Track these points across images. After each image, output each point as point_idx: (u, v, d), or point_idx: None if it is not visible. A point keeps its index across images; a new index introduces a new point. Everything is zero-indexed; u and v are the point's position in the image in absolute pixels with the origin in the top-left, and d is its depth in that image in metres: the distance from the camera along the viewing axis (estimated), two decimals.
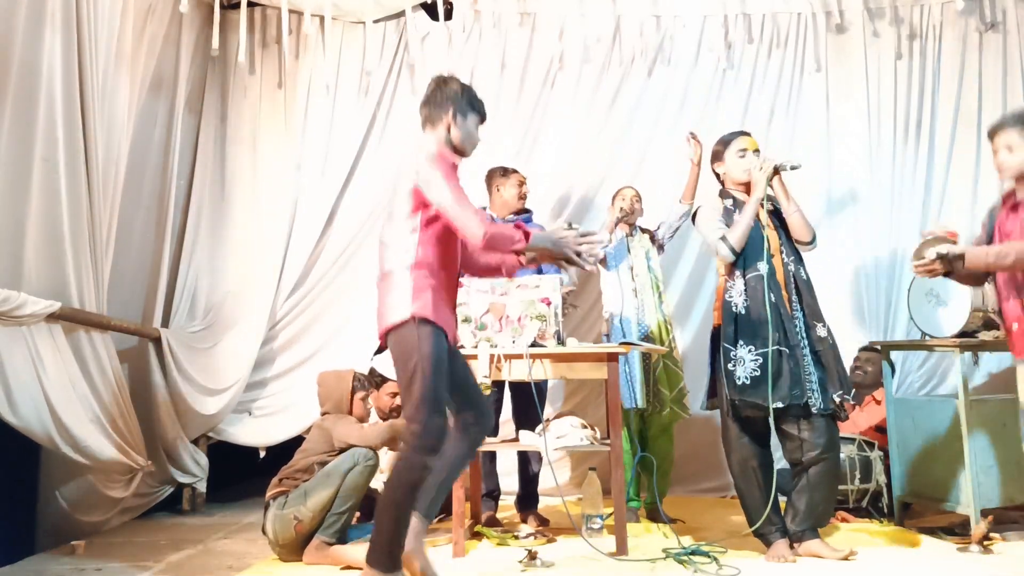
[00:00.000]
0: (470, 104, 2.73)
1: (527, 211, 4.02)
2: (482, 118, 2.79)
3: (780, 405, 2.95)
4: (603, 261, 3.96)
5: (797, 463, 3.05)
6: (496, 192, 3.87)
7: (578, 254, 2.61)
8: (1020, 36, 4.55)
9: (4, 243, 2.96)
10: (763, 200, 3.11)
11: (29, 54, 3.03)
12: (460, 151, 2.73)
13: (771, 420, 3.00)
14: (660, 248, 4.07)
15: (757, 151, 3.19)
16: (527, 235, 2.57)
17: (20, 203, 3.02)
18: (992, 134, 2.84)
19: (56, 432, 3.12)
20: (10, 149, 2.98)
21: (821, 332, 3.06)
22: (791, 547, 3.01)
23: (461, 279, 2.90)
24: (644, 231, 4.06)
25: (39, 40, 3.07)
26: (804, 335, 3.05)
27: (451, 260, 2.68)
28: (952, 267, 2.78)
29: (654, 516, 3.77)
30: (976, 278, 3.06)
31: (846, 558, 2.94)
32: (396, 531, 2.48)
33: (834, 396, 3.00)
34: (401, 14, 4.57)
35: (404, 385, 2.52)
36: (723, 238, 3.11)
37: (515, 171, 3.91)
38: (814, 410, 2.98)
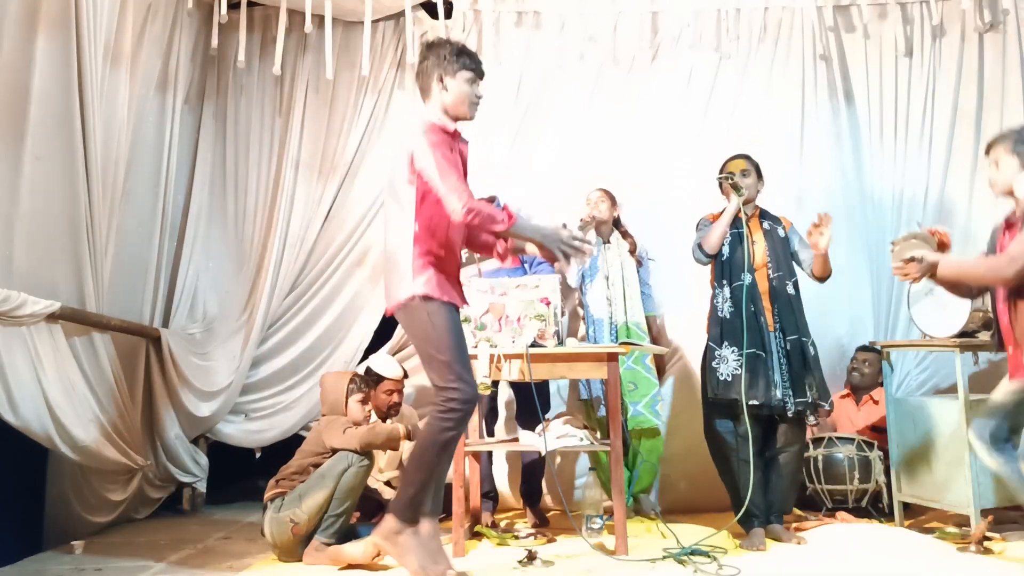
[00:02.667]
0: (457, 62, 2.66)
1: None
2: (476, 74, 2.70)
3: (756, 402, 3.25)
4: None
5: (760, 455, 3.31)
6: None
7: (565, 255, 2.60)
8: (1020, 35, 4.54)
9: (4, 243, 2.96)
10: (746, 213, 3.42)
11: (17, 56, 3.01)
12: (456, 115, 2.68)
13: (744, 414, 3.22)
14: (639, 261, 4.05)
15: (744, 171, 3.45)
16: (511, 216, 2.54)
17: (19, 203, 3.01)
18: (987, 149, 2.90)
19: (55, 432, 3.12)
20: (7, 150, 2.97)
21: (792, 345, 3.34)
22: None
23: (461, 280, 2.88)
24: (626, 237, 4.04)
25: (31, 42, 3.05)
26: (783, 345, 3.34)
27: (452, 230, 2.66)
28: (927, 272, 2.79)
29: (638, 510, 3.85)
30: (965, 290, 3.03)
31: (799, 541, 3.25)
32: (422, 489, 2.58)
33: (796, 404, 3.30)
34: (401, 14, 4.57)
35: (425, 359, 2.59)
36: (699, 245, 3.47)
37: None
38: (789, 414, 3.30)
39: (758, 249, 3.42)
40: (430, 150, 2.51)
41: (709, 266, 3.52)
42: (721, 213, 3.47)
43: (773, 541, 3.25)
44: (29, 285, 3.03)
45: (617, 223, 4.11)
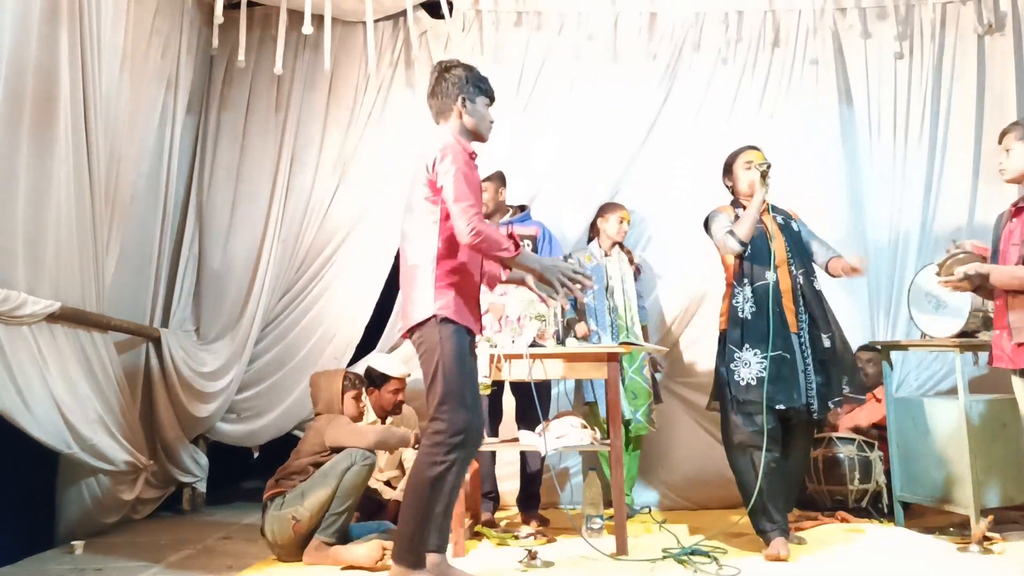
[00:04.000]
0: (476, 87, 2.72)
1: (523, 207, 4.03)
2: (490, 99, 2.77)
3: (782, 407, 3.10)
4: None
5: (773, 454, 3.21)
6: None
7: (563, 285, 2.59)
8: (1020, 37, 4.53)
9: (4, 242, 2.96)
10: (768, 208, 3.29)
11: (44, 55, 3.02)
12: (477, 136, 2.73)
13: (764, 420, 3.08)
14: (637, 271, 4.15)
15: (763, 163, 3.29)
16: (517, 246, 2.56)
17: (22, 203, 3.00)
18: (1000, 138, 2.91)
19: (70, 436, 3.12)
20: (28, 151, 2.99)
21: (826, 343, 3.20)
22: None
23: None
24: (624, 251, 4.13)
25: (55, 42, 3.07)
26: (809, 345, 3.19)
27: (473, 253, 2.66)
28: (979, 285, 2.77)
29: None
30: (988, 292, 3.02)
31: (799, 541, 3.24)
32: (419, 527, 2.51)
33: (830, 403, 3.18)
34: (400, 14, 4.57)
35: (427, 382, 2.56)
36: (731, 232, 3.23)
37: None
38: (816, 417, 3.17)
39: (778, 245, 3.26)
40: (454, 171, 2.52)
41: (726, 264, 3.36)
42: (732, 206, 3.38)
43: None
44: (30, 285, 3.02)
45: None
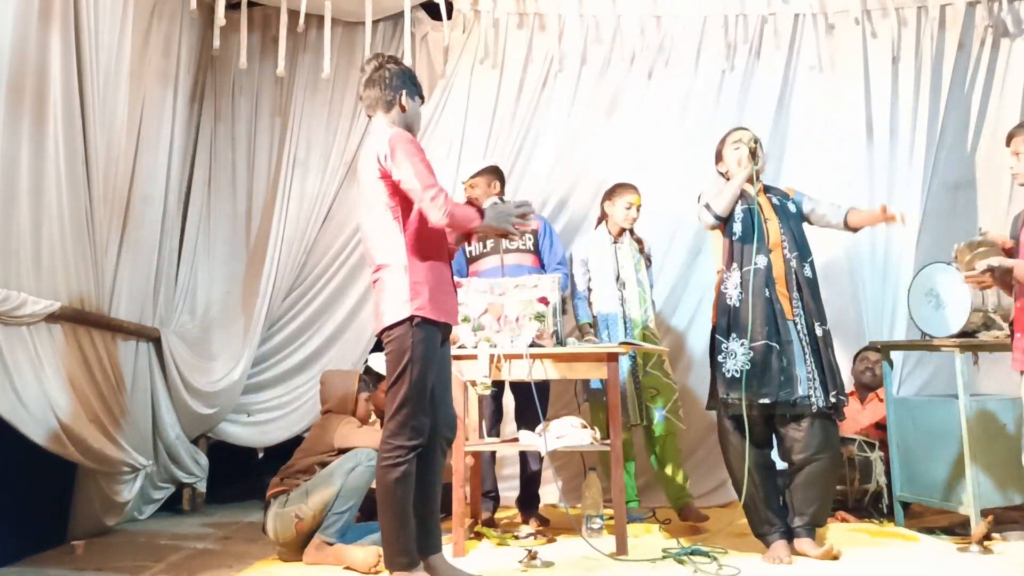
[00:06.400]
0: (415, 85, 2.73)
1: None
2: (422, 100, 2.80)
3: (767, 401, 2.93)
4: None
5: (791, 463, 3.05)
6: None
7: (517, 228, 2.63)
8: (1020, 38, 4.53)
9: (5, 242, 2.96)
10: (758, 184, 3.13)
11: (40, 57, 3.03)
12: (411, 131, 2.70)
13: (744, 415, 2.94)
14: (648, 260, 4.03)
15: (750, 139, 3.19)
16: (481, 213, 2.59)
17: (22, 203, 3.01)
18: (1008, 140, 2.86)
19: (66, 437, 3.11)
20: (28, 150, 2.99)
21: (819, 332, 3.04)
22: (790, 546, 3.01)
23: (459, 279, 2.90)
24: (635, 239, 4.01)
25: (48, 41, 3.07)
26: (806, 333, 3.03)
27: (440, 239, 2.63)
28: (1002, 279, 2.73)
29: (687, 516, 3.68)
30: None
31: (830, 556, 2.94)
32: (400, 529, 2.49)
33: (831, 397, 2.99)
34: (401, 14, 4.57)
35: (391, 382, 2.53)
36: (707, 205, 3.11)
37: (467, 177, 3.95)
38: (814, 409, 2.95)
39: (772, 227, 3.09)
40: (407, 159, 2.49)
41: (719, 252, 3.18)
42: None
43: (800, 556, 2.97)
44: (30, 284, 3.03)
45: None
